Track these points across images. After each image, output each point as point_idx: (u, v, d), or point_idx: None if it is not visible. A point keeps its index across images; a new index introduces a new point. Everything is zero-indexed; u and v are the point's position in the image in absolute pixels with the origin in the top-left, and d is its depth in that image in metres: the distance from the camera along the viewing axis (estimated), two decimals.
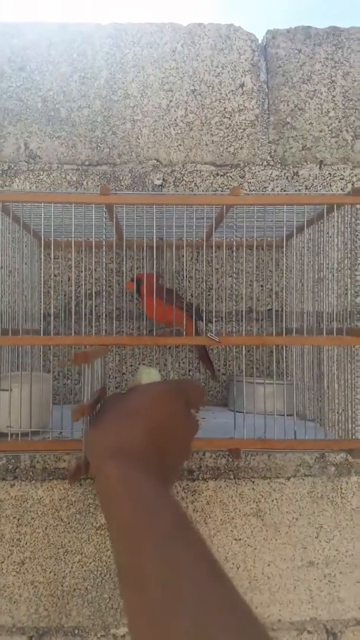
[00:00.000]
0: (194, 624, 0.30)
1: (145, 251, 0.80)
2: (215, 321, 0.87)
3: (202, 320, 0.79)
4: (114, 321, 0.85)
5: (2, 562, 0.84)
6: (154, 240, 0.65)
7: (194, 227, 0.69)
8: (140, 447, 0.44)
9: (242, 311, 0.86)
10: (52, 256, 0.68)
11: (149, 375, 0.61)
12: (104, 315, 0.63)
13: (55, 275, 0.86)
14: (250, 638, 0.31)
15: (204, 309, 0.87)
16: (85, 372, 0.50)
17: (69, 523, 0.85)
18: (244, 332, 0.62)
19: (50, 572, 0.84)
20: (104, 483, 0.41)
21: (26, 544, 0.84)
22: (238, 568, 0.84)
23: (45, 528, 0.85)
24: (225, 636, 0.30)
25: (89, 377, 0.51)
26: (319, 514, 0.85)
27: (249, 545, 0.85)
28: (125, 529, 0.38)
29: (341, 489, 0.85)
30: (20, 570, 0.84)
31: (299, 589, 0.84)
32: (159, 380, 0.62)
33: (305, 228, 0.64)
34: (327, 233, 0.67)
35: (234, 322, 0.85)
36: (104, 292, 0.66)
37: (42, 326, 0.71)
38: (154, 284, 0.72)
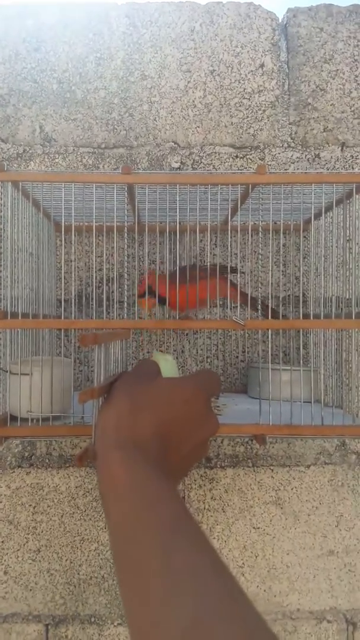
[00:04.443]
0: (194, 615, 0.30)
1: (165, 236, 0.78)
2: (234, 307, 0.86)
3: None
4: (131, 307, 0.83)
5: (18, 550, 0.83)
6: (177, 223, 0.63)
7: (218, 210, 0.68)
8: (147, 441, 0.43)
9: (263, 296, 0.84)
10: (72, 241, 0.67)
11: (166, 362, 0.60)
12: (125, 299, 0.61)
13: (71, 260, 0.84)
14: (250, 628, 0.30)
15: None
16: (97, 355, 0.49)
17: (85, 511, 0.84)
18: (269, 316, 0.61)
19: (66, 560, 0.83)
20: (107, 472, 0.41)
21: (42, 531, 0.84)
22: (257, 557, 0.83)
23: (62, 516, 0.84)
24: (226, 626, 0.29)
25: (101, 360, 0.49)
26: (339, 502, 0.84)
27: (267, 533, 0.84)
28: (127, 519, 0.37)
29: None
30: (36, 558, 0.83)
31: (319, 578, 0.83)
32: (174, 367, 0.60)
33: (335, 208, 0.62)
34: (351, 216, 0.65)
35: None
36: (125, 276, 0.64)
37: (62, 312, 0.69)
38: (166, 276, 0.68)
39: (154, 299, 0.71)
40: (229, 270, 0.73)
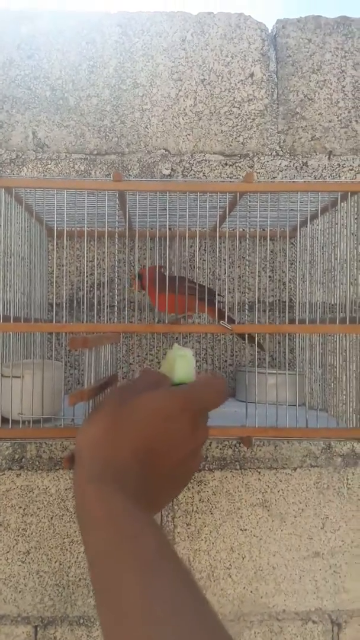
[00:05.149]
0: None
1: (156, 241, 0.80)
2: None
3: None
4: (122, 311, 0.85)
5: (8, 552, 0.84)
6: (167, 229, 0.64)
7: (207, 217, 0.69)
8: (125, 465, 0.42)
9: (250, 301, 0.85)
10: (64, 246, 0.68)
11: (182, 359, 0.54)
12: (116, 304, 0.62)
13: (63, 265, 0.85)
14: None
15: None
16: (87, 358, 0.49)
17: (75, 513, 0.84)
18: (256, 321, 0.62)
19: (55, 562, 0.84)
20: (81, 504, 0.40)
21: (32, 533, 0.84)
22: (243, 558, 0.84)
23: (51, 518, 0.84)
24: None
25: (91, 363, 0.50)
26: (325, 504, 0.85)
27: (254, 535, 0.85)
28: (103, 554, 0.36)
29: (347, 479, 0.85)
30: (25, 559, 0.84)
31: (305, 579, 0.85)
32: (192, 363, 0.54)
33: (320, 216, 0.64)
34: (337, 223, 0.67)
35: (241, 313, 0.85)
36: (116, 281, 0.66)
37: (53, 316, 0.70)
38: (157, 275, 0.71)
39: (139, 283, 0.76)
40: (211, 293, 0.73)
